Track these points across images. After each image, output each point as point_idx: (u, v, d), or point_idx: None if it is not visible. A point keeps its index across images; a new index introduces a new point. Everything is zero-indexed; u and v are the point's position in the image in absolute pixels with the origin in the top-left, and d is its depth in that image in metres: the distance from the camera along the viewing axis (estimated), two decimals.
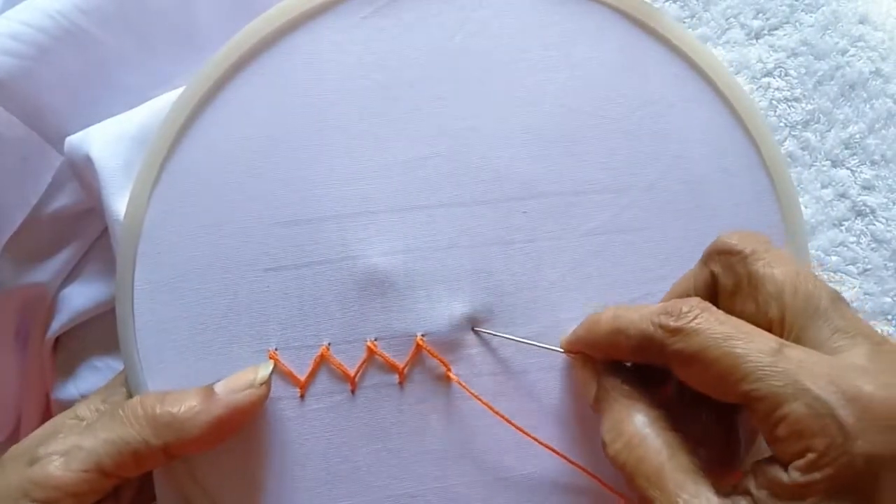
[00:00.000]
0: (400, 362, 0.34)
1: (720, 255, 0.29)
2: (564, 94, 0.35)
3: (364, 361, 0.34)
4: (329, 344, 0.34)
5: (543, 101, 0.35)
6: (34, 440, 0.32)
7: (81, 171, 0.36)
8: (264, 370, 0.33)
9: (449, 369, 0.34)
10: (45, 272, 0.40)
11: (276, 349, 0.34)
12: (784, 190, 0.35)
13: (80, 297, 0.40)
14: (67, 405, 0.40)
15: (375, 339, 0.34)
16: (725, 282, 0.29)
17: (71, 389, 0.40)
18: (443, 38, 0.35)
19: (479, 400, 0.33)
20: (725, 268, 0.29)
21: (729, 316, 0.27)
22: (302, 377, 0.34)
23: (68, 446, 0.30)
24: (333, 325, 0.34)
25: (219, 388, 0.32)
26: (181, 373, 0.34)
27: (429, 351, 0.34)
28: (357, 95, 0.35)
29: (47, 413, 0.45)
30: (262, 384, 0.32)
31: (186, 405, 0.31)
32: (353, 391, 0.34)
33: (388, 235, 0.34)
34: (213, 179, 0.35)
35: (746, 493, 0.25)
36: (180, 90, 0.36)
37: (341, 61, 0.35)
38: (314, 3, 0.35)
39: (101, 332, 0.40)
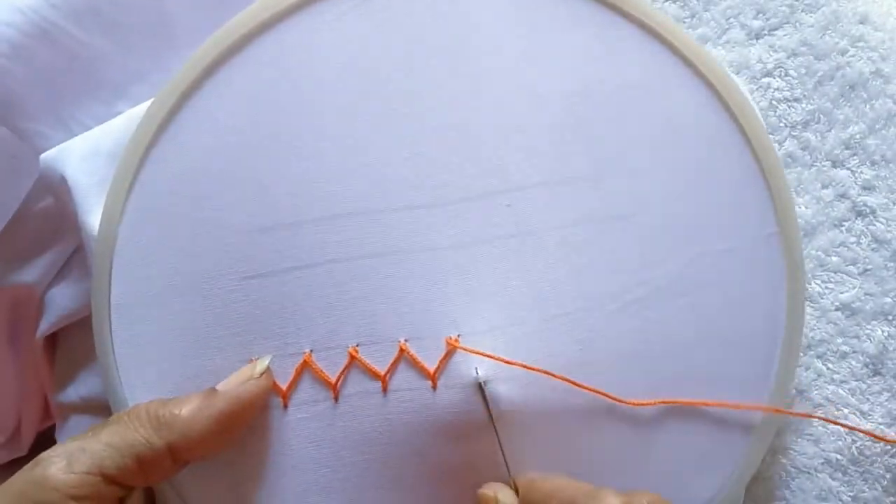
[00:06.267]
0: (383, 368, 0.33)
1: None
2: (543, 84, 0.34)
3: (346, 368, 0.33)
4: (311, 351, 0.33)
5: (523, 93, 0.34)
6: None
7: (56, 190, 0.36)
8: (262, 362, 0.33)
9: (432, 376, 0.33)
10: (32, 272, 0.39)
11: (257, 358, 0.33)
12: (770, 167, 0.35)
13: (67, 298, 0.39)
14: (69, 409, 0.40)
15: (357, 345, 0.33)
16: None
17: (71, 393, 0.40)
18: (416, 34, 0.34)
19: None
20: None
21: None
22: (284, 386, 0.33)
23: (71, 449, 0.30)
24: (315, 331, 0.33)
25: (220, 386, 0.32)
26: (162, 388, 0.33)
27: (411, 356, 0.33)
28: (332, 97, 0.34)
29: (47, 414, 0.45)
30: (262, 374, 0.32)
31: (189, 405, 0.31)
32: (335, 399, 0.33)
33: (368, 237, 0.33)
34: (186, 189, 0.34)
35: None
36: (150, 101, 0.35)
37: (314, 63, 0.34)
38: (282, 5, 0.34)
39: None
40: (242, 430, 0.32)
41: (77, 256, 0.39)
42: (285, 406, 0.33)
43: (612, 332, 0.34)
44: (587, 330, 0.33)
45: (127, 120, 0.36)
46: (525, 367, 0.32)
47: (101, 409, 0.39)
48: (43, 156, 0.36)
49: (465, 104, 0.34)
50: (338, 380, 0.33)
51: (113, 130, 0.36)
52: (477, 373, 0.32)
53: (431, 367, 0.33)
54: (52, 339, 0.41)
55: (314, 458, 0.33)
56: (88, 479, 0.29)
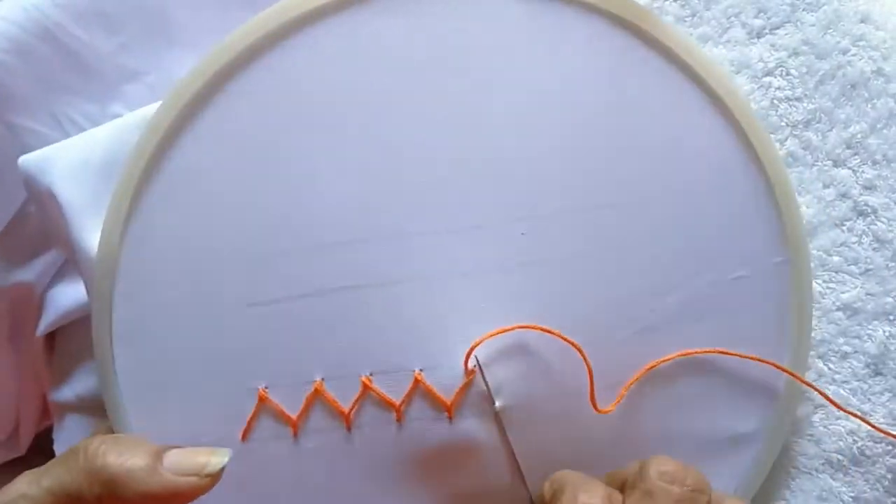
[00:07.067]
0: (397, 398, 0.32)
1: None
2: (558, 108, 0.34)
3: (359, 397, 0.32)
4: (322, 379, 0.33)
5: (538, 118, 0.34)
6: None
7: (42, 202, 0.35)
8: (217, 460, 0.29)
9: (448, 407, 0.32)
10: (31, 271, 0.39)
11: (265, 387, 0.33)
12: (783, 193, 0.35)
13: (66, 297, 0.39)
14: (64, 408, 0.40)
15: (371, 374, 0.32)
16: None
17: (67, 392, 0.40)
18: (429, 54, 0.33)
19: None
20: None
21: None
22: (295, 415, 0.32)
23: (14, 496, 0.29)
24: (326, 359, 0.32)
25: (168, 459, 0.29)
26: (167, 415, 0.33)
27: (427, 388, 0.32)
28: (343, 118, 0.33)
29: (45, 414, 0.45)
30: (207, 475, 0.29)
31: (130, 463, 0.29)
32: (348, 429, 0.32)
33: (381, 264, 0.33)
34: (192, 211, 0.33)
35: None
36: (144, 110, 0.34)
37: (325, 81, 0.33)
38: (289, 16, 0.33)
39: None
40: None
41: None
42: (295, 435, 0.33)
43: (624, 358, 0.33)
44: (599, 357, 0.33)
45: (114, 130, 0.35)
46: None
47: (96, 408, 0.39)
48: (23, 161, 0.35)
49: (479, 129, 0.33)
50: (351, 409, 0.32)
51: (100, 141, 0.35)
52: (487, 386, 0.32)
53: (447, 397, 0.32)
54: (50, 338, 0.41)
55: (325, 488, 0.33)
56: None
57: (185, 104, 0.33)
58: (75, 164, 0.34)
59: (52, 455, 0.35)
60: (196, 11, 0.38)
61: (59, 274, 0.39)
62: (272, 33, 0.33)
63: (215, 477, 0.29)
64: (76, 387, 0.39)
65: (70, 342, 0.40)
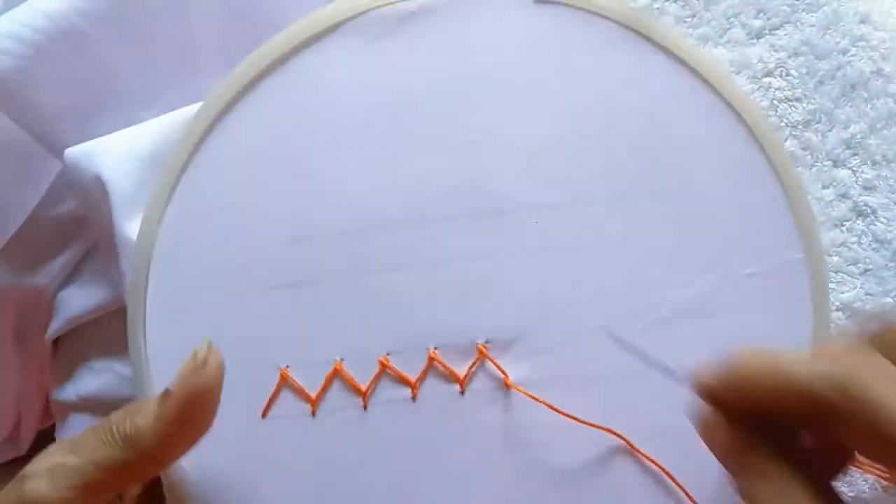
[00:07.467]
0: (413, 376, 0.34)
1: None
2: (571, 105, 0.35)
3: (377, 377, 0.34)
4: (342, 359, 0.34)
5: (551, 114, 0.35)
6: None
7: (87, 190, 0.36)
8: (202, 349, 0.30)
9: (461, 381, 0.34)
10: (44, 275, 0.40)
11: (287, 366, 0.34)
12: (792, 189, 0.35)
13: (78, 300, 0.39)
14: (67, 407, 0.40)
15: (388, 354, 0.34)
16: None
17: (70, 391, 0.40)
18: (448, 56, 0.35)
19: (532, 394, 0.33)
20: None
21: None
22: (314, 394, 0.34)
23: (52, 465, 0.30)
24: (346, 340, 0.34)
25: (171, 385, 0.30)
26: None
27: (440, 363, 0.34)
28: (366, 114, 0.35)
29: (47, 414, 0.45)
30: (203, 361, 0.30)
31: (147, 415, 0.29)
32: (364, 406, 0.34)
33: (399, 250, 0.34)
34: (225, 197, 0.35)
35: None
36: (186, 109, 0.36)
37: (351, 81, 0.35)
38: (324, 24, 0.35)
39: (101, 334, 0.40)
40: (208, 423, 0.31)
41: (89, 259, 0.39)
42: (313, 413, 0.34)
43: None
44: (610, 346, 0.34)
45: (160, 125, 0.36)
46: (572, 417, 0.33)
47: (99, 407, 0.40)
48: (69, 151, 0.36)
49: (495, 127, 0.35)
50: (368, 388, 0.34)
51: (147, 133, 0.36)
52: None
53: (461, 373, 0.34)
54: (55, 339, 0.41)
55: (341, 465, 0.34)
56: (72, 495, 0.29)
57: (220, 106, 0.35)
58: (123, 153, 0.36)
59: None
60: (219, 29, 0.38)
61: (71, 278, 0.40)
62: (300, 44, 0.35)
63: (213, 359, 0.30)
64: (80, 386, 0.40)
65: (75, 343, 0.40)
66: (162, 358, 0.34)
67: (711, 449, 0.27)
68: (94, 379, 0.40)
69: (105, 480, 0.29)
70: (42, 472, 0.29)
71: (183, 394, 0.29)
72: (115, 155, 0.36)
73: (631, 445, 0.33)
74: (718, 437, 0.27)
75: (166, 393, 0.30)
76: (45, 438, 0.45)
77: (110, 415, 0.31)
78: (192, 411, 0.30)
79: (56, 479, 0.29)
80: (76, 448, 0.30)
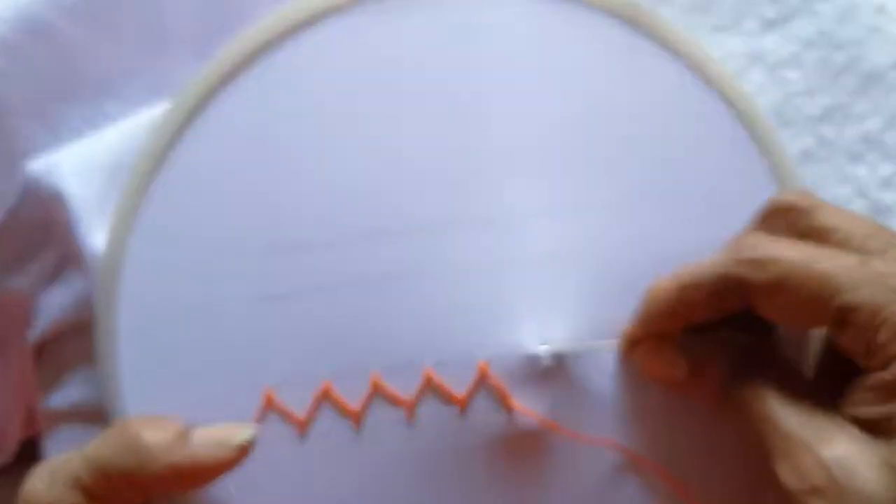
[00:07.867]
0: (408, 395, 0.32)
1: (779, 212, 0.30)
2: (561, 103, 0.34)
3: (369, 396, 0.32)
4: (331, 378, 0.32)
5: (541, 113, 0.34)
6: None
7: (48, 205, 0.35)
8: (244, 434, 0.30)
9: (461, 402, 0.32)
10: (22, 279, 0.38)
11: (272, 386, 0.32)
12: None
13: (61, 303, 0.38)
14: (58, 416, 0.39)
15: (380, 371, 0.32)
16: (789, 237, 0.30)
17: (59, 400, 0.38)
18: (440, 51, 0.33)
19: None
20: (788, 224, 0.29)
21: (796, 241, 0.28)
22: (302, 416, 0.32)
23: (56, 462, 0.30)
24: (334, 357, 0.32)
25: (196, 433, 0.30)
26: (168, 411, 0.32)
27: (438, 384, 0.32)
28: (353, 112, 0.33)
29: (31, 422, 0.43)
30: (237, 447, 0.29)
31: (160, 436, 0.29)
32: (357, 428, 0.32)
33: (388, 259, 0.32)
34: (200, 207, 0.33)
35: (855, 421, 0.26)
36: (150, 112, 0.34)
37: (334, 76, 0.33)
38: (308, 12, 0.33)
39: (87, 342, 0.38)
40: (204, 485, 0.30)
41: (70, 261, 0.38)
42: (302, 436, 0.32)
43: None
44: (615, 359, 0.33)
45: (121, 132, 0.35)
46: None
47: (91, 416, 0.39)
48: (30, 169, 0.35)
49: (490, 123, 0.33)
50: (360, 409, 0.32)
51: (106, 143, 0.35)
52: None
53: (460, 393, 0.32)
54: (39, 346, 0.40)
55: (333, 490, 0.32)
56: (68, 494, 0.29)
57: (191, 105, 0.33)
58: (83, 166, 0.34)
59: (37, 464, 0.33)
60: (191, 12, 0.37)
61: (53, 280, 0.38)
62: (280, 34, 0.33)
63: (243, 451, 0.30)
64: (71, 394, 0.38)
65: (63, 349, 0.39)
66: (135, 378, 0.33)
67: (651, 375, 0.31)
68: (83, 387, 0.38)
69: (97, 483, 0.29)
70: (44, 469, 0.29)
71: (195, 454, 0.29)
72: (75, 167, 0.34)
73: (639, 462, 0.32)
74: (654, 364, 0.31)
75: (186, 435, 0.29)
76: (31, 446, 0.44)
77: (124, 421, 0.30)
78: (193, 473, 0.29)
79: (55, 476, 0.29)
80: (91, 444, 0.30)
